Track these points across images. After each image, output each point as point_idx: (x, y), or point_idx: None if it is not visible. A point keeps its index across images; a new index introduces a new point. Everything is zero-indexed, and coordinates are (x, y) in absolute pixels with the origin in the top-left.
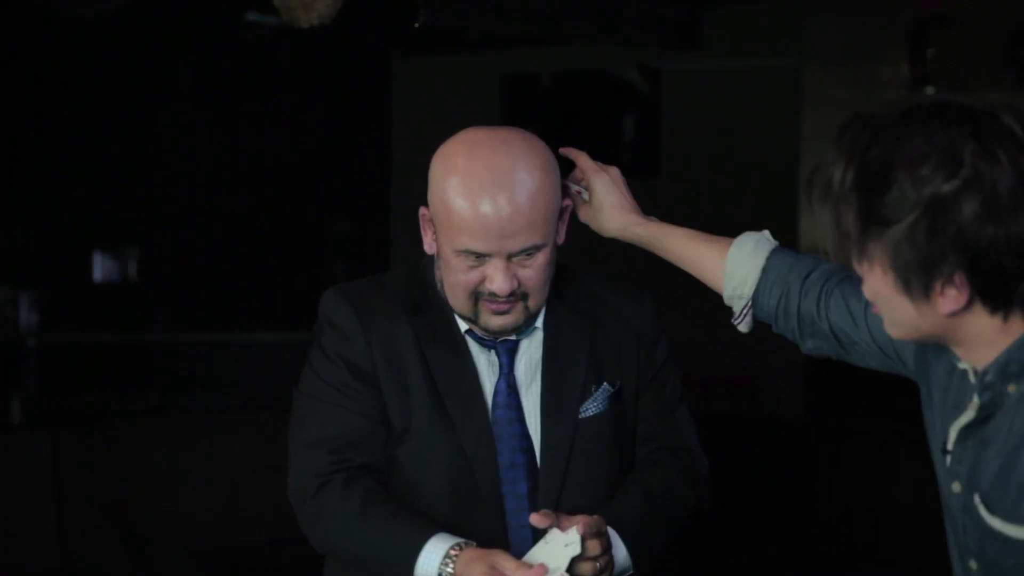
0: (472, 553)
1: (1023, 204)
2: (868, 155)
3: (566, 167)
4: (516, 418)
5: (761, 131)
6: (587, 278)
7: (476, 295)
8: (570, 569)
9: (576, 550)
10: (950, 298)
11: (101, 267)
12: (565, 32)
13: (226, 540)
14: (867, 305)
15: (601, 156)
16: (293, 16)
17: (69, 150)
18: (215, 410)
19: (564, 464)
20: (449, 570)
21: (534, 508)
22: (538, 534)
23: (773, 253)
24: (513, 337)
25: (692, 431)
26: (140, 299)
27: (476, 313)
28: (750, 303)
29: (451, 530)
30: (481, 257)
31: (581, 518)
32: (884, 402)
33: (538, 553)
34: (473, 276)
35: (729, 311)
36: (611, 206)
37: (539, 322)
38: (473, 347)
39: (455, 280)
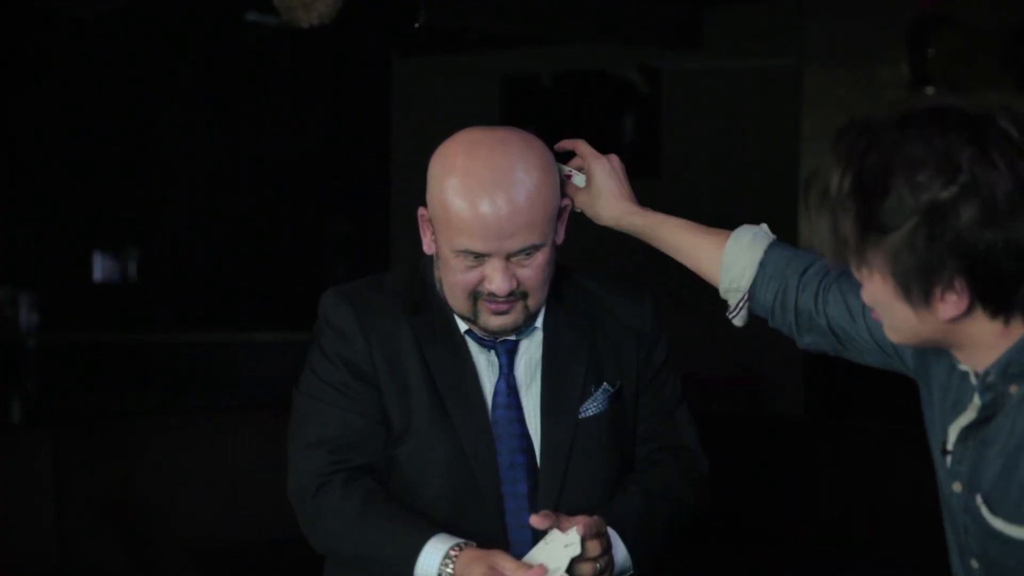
0: (472, 553)
1: (1021, 209)
2: (866, 161)
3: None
4: (516, 418)
5: (761, 131)
6: (587, 278)
7: (475, 295)
8: (570, 569)
9: (576, 551)
10: (950, 304)
11: (101, 267)
12: (565, 32)
13: (226, 540)
14: None
15: None
16: (293, 16)
17: (69, 150)
18: (215, 410)
19: (564, 464)
20: (449, 570)
21: (534, 508)
22: (538, 534)
23: (771, 247)
24: (513, 337)
25: (692, 431)
26: (140, 299)
27: (475, 313)
28: (746, 297)
29: (451, 530)
30: (480, 257)
31: (581, 519)
32: (883, 401)
33: (538, 554)
34: (472, 276)
35: (726, 307)
36: (609, 193)
37: (539, 322)
38: (473, 347)
39: (454, 280)
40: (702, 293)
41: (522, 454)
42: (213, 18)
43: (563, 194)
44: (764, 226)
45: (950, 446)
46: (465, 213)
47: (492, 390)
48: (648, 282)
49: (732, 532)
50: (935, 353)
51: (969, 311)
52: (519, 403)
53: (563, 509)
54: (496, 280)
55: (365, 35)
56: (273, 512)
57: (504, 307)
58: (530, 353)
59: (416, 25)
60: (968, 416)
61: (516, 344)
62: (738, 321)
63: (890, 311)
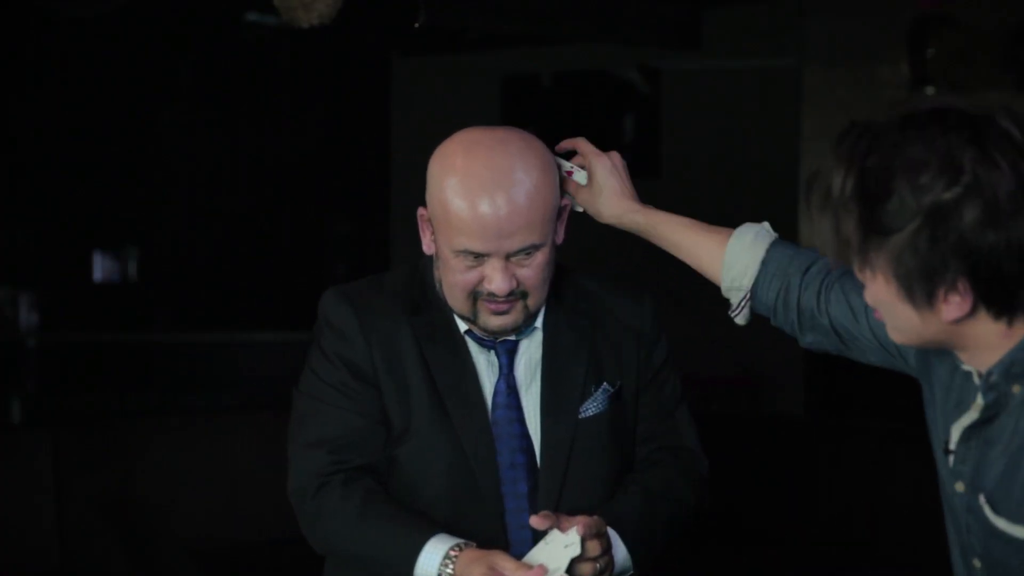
0: (472, 554)
1: (1023, 209)
2: (867, 163)
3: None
4: (516, 418)
5: (761, 131)
6: (586, 278)
7: (475, 295)
8: (570, 570)
9: (576, 551)
10: (954, 305)
11: (101, 267)
12: (565, 32)
13: (226, 540)
14: None
15: None
16: (293, 16)
17: (69, 150)
18: (215, 410)
19: (564, 464)
20: (449, 571)
21: (534, 508)
22: (538, 535)
23: (773, 245)
24: (512, 337)
25: (692, 431)
26: (140, 299)
27: (475, 313)
28: (748, 295)
29: (451, 530)
30: (480, 257)
31: (581, 519)
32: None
33: (538, 554)
34: (472, 276)
35: (728, 307)
36: (611, 191)
37: (538, 322)
38: (473, 347)
39: (454, 280)
40: (702, 293)
41: (522, 454)
42: (213, 18)
43: (563, 193)
44: (766, 224)
45: (953, 446)
46: (465, 213)
47: (492, 390)
48: (648, 282)
49: (732, 532)
50: (938, 353)
51: (972, 312)
52: (519, 403)
53: (563, 509)
54: (496, 280)
55: (365, 35)
56: (273, 512)
57: (504, 307)
58: (530, 353)
59: (416, 25)
60: (971, 416)
61: (516, 344)
62: (740, 320)
63: (893, 312)
